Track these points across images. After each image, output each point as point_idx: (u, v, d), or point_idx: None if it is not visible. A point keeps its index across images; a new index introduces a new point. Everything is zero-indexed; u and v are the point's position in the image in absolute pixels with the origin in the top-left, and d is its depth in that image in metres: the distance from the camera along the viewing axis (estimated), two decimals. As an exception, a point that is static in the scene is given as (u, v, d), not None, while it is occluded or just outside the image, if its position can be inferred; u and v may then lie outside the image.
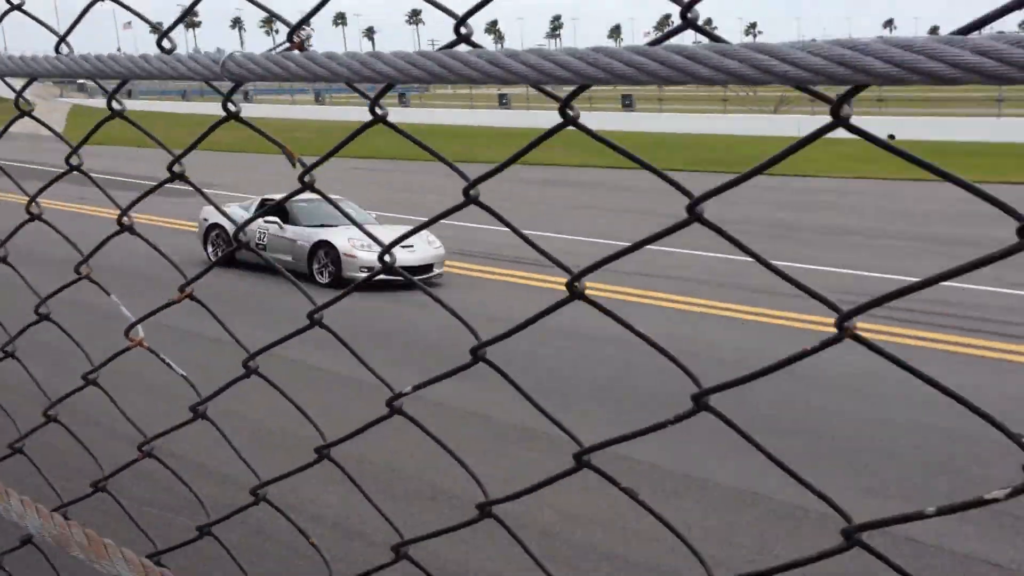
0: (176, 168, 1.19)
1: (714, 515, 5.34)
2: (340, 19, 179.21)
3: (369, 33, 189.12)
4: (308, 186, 0.91)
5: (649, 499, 0.75)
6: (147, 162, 19.77)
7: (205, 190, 1.07)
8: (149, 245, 1.06)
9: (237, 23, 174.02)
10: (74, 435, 1.23)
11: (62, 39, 1.02)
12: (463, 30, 0.75)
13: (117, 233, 1.09)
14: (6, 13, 1.25)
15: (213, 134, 0.94)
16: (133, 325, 1.05)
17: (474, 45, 0.74)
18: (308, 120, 46.22)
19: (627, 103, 48.54)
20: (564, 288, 0.73)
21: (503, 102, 53.45)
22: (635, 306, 9.83)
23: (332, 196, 0.99)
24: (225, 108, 0.93)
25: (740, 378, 0.67)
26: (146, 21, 1.01)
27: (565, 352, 8.17)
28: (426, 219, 0.87)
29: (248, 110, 0.92)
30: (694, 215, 0.66)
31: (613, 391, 7.30)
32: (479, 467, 0.96)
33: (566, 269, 0.74)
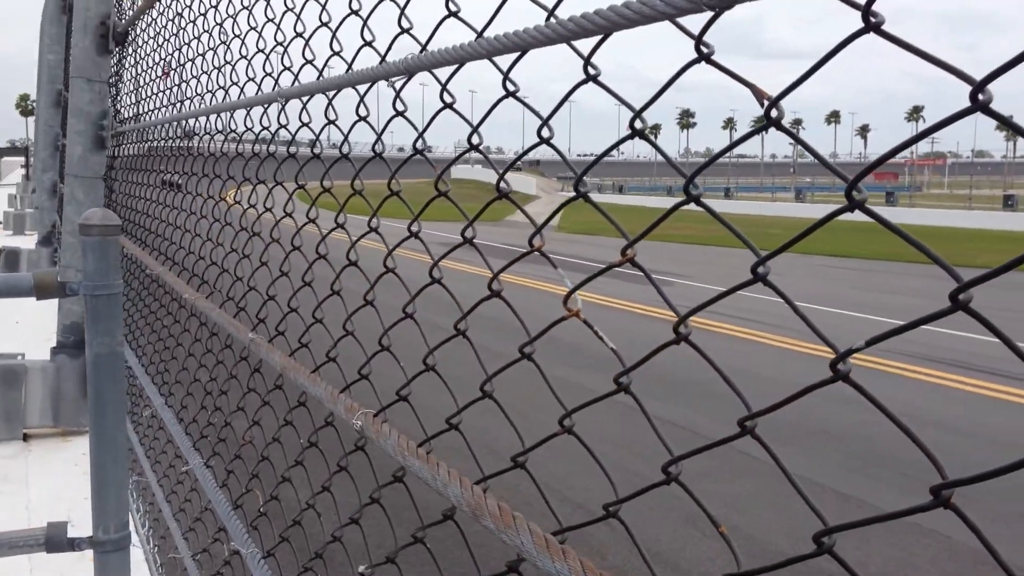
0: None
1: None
2: (833, 117, 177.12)
3: (863, 131, 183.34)
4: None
5: None
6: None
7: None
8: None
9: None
10: (501, 407, 1.24)
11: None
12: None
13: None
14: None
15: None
16: (571, 293, 1.04)
17: None
18: (784, 217, 47.71)
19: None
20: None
21: (1008, 204, 48.96)
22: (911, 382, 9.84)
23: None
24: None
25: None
26: None
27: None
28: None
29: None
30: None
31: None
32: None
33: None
